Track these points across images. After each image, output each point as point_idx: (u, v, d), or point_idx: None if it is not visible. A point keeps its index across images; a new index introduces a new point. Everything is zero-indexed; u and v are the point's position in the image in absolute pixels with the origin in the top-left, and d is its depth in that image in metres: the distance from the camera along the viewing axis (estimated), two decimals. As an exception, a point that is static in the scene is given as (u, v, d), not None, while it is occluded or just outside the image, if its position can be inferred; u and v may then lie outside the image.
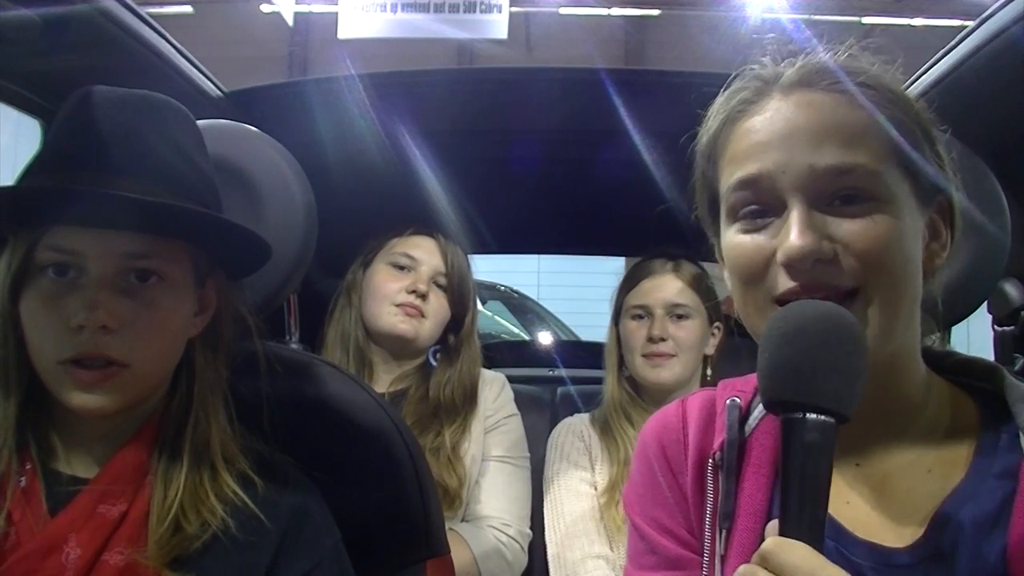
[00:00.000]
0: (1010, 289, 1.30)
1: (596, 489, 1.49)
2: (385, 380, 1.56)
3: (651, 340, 1.49)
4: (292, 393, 0.94)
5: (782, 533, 0.58)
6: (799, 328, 0.61)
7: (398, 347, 1.54)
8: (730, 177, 0.70)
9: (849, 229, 0.65)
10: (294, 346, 1.61)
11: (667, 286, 1.52)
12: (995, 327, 1.36)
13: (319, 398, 0.97)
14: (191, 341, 0.84)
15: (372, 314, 1.53)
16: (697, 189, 0.78)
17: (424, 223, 1.58)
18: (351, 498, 0.90)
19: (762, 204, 0.68)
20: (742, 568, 0.58)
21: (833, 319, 0.61)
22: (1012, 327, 1.32)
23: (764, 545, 0.57)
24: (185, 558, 0.77)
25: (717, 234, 0.75)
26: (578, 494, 1.49)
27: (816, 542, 0.57)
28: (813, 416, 0.58)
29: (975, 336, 1.37)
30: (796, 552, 0.56)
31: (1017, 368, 1.29)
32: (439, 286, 1.55)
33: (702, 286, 1.55)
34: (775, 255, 0.66)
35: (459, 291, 1.56)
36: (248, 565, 0.79)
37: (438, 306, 1.54)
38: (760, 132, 0.69)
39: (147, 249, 0.77)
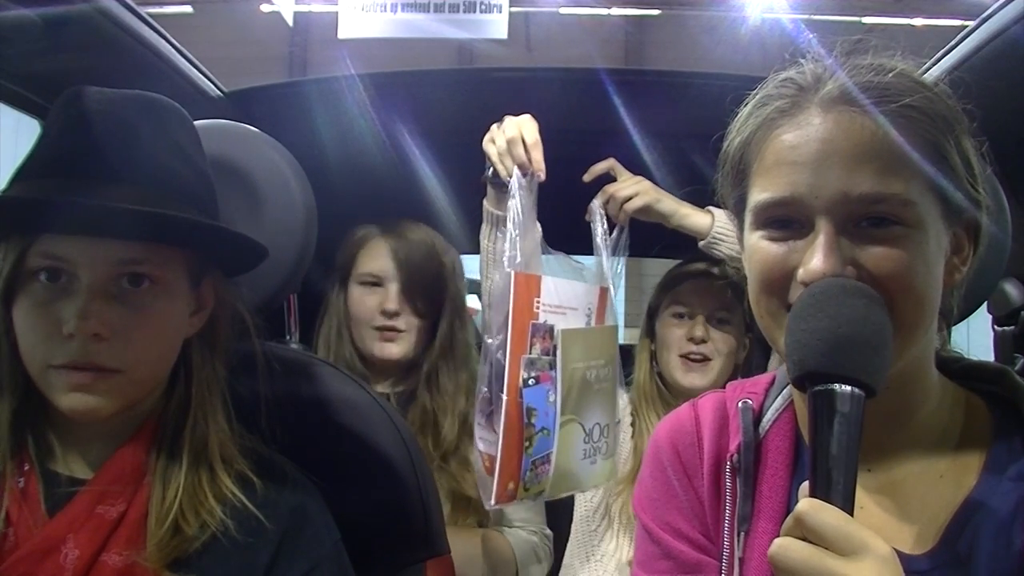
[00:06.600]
0: (1010, 289, 1.30)
1: None
2: (384, 384, 1.54)
3: (691, 340, 1.47)
4: (292, 393, 0.94)
5: None
6: (831, 302, 0.61)
7: (388, 365, 1.51)
8: (761, 192, 0.69)
9: (874, 256, 0.64)
10: (294, 346, 1.61)
11: (711, 291, 1.49)
12: (995, 327, 1.36)
13: (319, 398, 0.97)
14: (188, 340, 0.84)
15: (356, 337, 1.50)
16: (723, 184, 0.77)
17: (377, 221, 1.51)
18: (351, 498, 0.90)
19: (790, 218, 0.68)
20: (778, 540, 0.57)
21: (863, 294, 0.62)
22: (1012, 327, 1.32)
23: (799, 506, 0.57)
24: (184, 559, 0.76)
25: (741, 229, 0.75)
26: None
27: (847, 512, 0.57)
28: (847, 388, 0.59)
29: (975, 336, 1.37)
30: (831, 513, 0.56)
31: (1017, 368, 1.29)
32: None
33: (742, 295, 1.50)
34: (796, 269, 0.66)
35: (422, 285, 1.46)
36: (247, 566, 0.79)
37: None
38: (795, 151, 0.66)
39: (140, 255, 0.77)
